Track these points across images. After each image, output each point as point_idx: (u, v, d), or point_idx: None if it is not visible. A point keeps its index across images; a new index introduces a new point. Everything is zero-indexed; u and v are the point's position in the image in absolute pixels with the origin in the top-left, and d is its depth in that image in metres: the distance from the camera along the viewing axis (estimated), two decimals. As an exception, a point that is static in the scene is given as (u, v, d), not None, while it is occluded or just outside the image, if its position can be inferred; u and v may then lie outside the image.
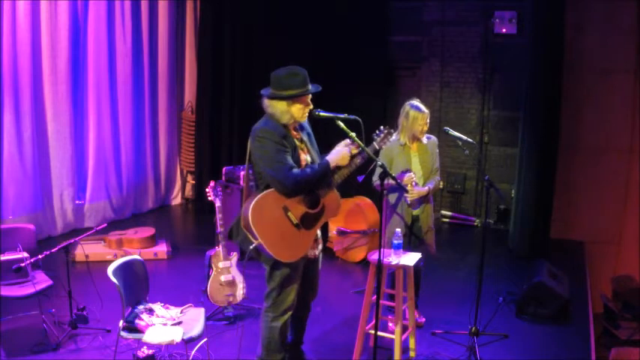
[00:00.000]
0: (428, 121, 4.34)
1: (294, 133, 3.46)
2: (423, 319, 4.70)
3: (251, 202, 3.29)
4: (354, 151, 3.44)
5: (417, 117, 4.28)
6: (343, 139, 3.47)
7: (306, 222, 3.40)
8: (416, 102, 4.38)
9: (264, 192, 3.32)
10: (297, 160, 3.37)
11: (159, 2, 7.88)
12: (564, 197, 7.16)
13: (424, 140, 4.41)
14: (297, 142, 3.45)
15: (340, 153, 3.42)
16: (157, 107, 8.11)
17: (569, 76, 6.79)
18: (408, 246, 4.37)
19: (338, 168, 3.46)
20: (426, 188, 4.38)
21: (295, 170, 3.30)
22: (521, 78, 6.92)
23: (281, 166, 3.26)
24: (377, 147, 3.56)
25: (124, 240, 6.11)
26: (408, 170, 4.31)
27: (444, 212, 8.14)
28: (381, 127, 3.59)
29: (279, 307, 3.52)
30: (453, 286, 5.60)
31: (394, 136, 4.41)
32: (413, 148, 4.40)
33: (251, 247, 3.36)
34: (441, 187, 8.11)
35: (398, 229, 4.08)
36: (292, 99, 3.32)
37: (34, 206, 6.37)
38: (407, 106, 4.36)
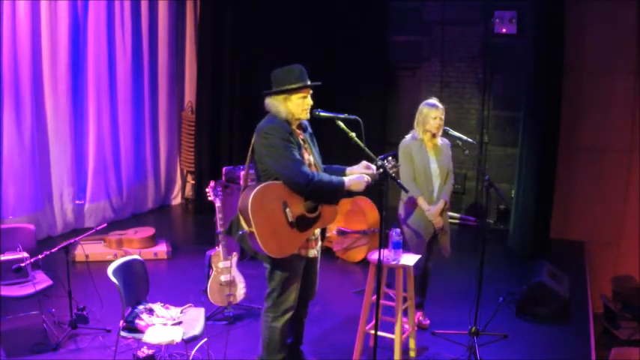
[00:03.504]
0: (442, 116, 4.38)
1: (298, 131, 3.47)
2: (428, 322, 4.69)
3: (254, 189, 3.27)
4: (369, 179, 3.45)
5: (429, 112, 4.35)
6: (343, 138, 3.46)
7: (301, 224, 3.38)
8: (431, 100, 4.47)
9: (269, 182, 3.31)
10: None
11: (159, 2, 7.88)
12: (564, 197, 7.16)
13: (439, 141, 4.46)
14: (301, 142, 3.45)
15: (359, 180, 3.42)
16: (157, 107, 8.11)
17: (569, 76, 6.79)
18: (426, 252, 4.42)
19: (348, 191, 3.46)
20: (442, 202, 4.40)
21: (306, 168, 3.31)
22: (521, 78, 6.93)
23: (291, 162, 3.27)
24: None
25: (124, 240, 6.11)
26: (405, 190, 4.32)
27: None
28: (392, 158, 3.56)
29: (279, 308, 3.52)
30: (452, 286, 5.59)
31: (410, 135, 4.46)
32: (429, 148, 4.44)
33: (240, 232, 3.35)
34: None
35: (398, 229, 4.08)
36: (287, 93, 3.33)
37: (34, 206, 6.36)
38: (422, 103, 4.45)
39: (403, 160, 4.37)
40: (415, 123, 4.46)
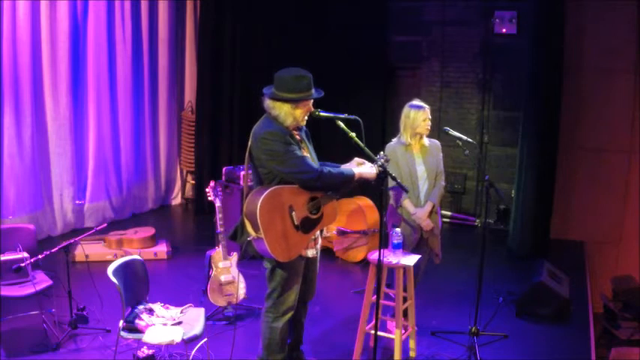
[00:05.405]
0: (429, 116, 4.33)
1: (294, 132, 3.47)
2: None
3: (260, 195, 3.26)
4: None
5: (417, 115, 4.28)
6: (343, 138, 3.46)
7: (305, 226, 3.40)
8: (415, 101, 4.39)
9: (274, 187, 3.31)
10: None
11: (159, 2, 7.88)
12: (564, 197, 7.16)
13: (426, 142, 4.39)
14: (298, 141, 3.45)
15: (369, 169, 3.46)
16: (157, 107, 8.11)
17: (569, 76, 6.79)
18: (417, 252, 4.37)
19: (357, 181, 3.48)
20: (429, 204, 4.34)
21: (312, 162, 3.34)
22: (521, 78, 6.93)
23: (296, 160, 3.28)
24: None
25: (124, 240, 6.11)
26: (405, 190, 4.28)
27: (444, 212, 8.14)
28: (383, 154, 3.53)
29: (279, 308, 3.52)
30: (453, 286, 5.60)
31: (397, 139, 4.42)
32: (415, 150, 4.37)
33: (248, 238, 3.35)
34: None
35: (398, 229, 4.08)
36: (296, 102, 3.33)
37: (34, 206, 6.36)
38: (406, 106, 4.37)
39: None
40: (402, 127, 4.34)
